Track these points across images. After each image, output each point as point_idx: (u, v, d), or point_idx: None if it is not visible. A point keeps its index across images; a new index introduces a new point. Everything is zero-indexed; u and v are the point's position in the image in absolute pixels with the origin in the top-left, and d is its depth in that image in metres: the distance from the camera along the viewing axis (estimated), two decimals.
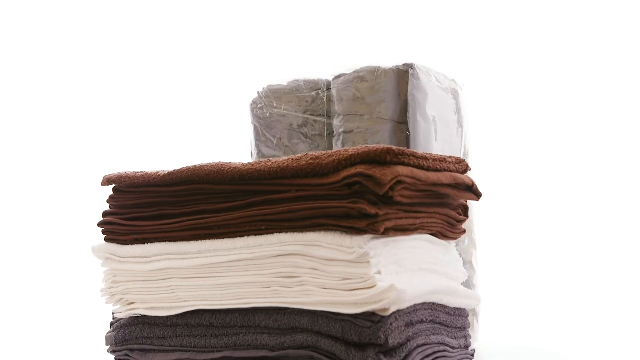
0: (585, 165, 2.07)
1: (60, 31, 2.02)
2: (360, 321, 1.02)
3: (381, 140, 1.33)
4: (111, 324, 1.25)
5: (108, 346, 1.23)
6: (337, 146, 1.37)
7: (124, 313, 1.21)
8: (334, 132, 1.38)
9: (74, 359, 1.56)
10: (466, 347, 1.21)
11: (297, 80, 1.42)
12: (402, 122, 1.33)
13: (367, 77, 1.33)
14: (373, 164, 1.02)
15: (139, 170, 1.22)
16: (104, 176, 1.23)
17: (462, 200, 1.23)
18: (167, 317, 1.18)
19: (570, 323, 1.73)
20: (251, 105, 1.46)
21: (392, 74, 1.33)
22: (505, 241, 2.02)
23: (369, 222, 1.01)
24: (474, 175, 1.52)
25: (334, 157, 1.04)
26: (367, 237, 1.02)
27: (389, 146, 1.02)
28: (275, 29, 1.96)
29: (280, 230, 1.08)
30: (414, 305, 1.08)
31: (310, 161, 1.06)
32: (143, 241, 1.19)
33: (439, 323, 1.15)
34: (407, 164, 1.05)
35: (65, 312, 1.94)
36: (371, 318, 1.02)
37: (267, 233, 1.09)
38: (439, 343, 1.13)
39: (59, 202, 2.02)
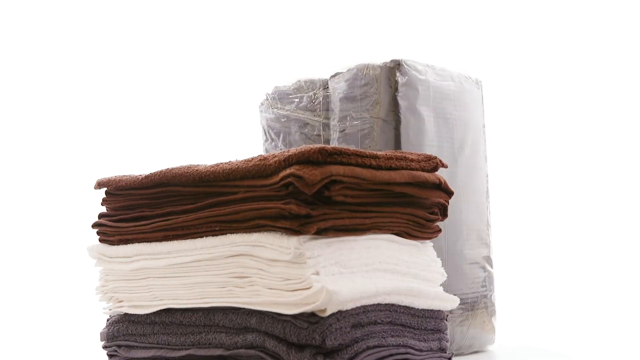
0: (606, 167, 2.03)
1: (67, 34, 2.04)
2: (300, 322, 1.02)
3: (371, 139, 1.31)
4: (107, 321, 1.30)
5: (102, 342, 1.29)
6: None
7: (112, 311, 1.27)
8: (331, 133, 1.37)
9: (76, 354, 1.60)
10: (442, 350, 1.17)
11: (300, 81, 1.43)
12: (389, 121, 1.31)
13: (358, 76, 1.32)
14: (307, 164, 1.01)
15: (127, 174, 1.27)
16: (97, 180, 1.29)
17: (440, 200, 1.19)
18: (147, 315, 1.22)
19: (588, 326, 1.69)
20: (260, 107, 1.48)
21: (380, 72, 1.31)
22: (522, 240, 1.96)
23: (301, 222, 1.00)
24: (493, 173, 1.47)
25: (277, 159, 1.05)
26: (304, 237, 1.02)
27: (322, 146, 1.01)
28: (285, 30, 1.97)
29: (231, 231, 1.10)
30: (364, 307, 1.06)
31: (258, 163, 1.07)
32: (126, 242, 1.24)
33: (402, 325, 1.12)
34: (347, 163, 1.03)
35: (68, 309, 1.99)
36: (310, 319, 1.02)
37: (221, 234, 1.11)
38: (400, 345, 1.11)
39: (70, 203, 2.05)
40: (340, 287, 1.01)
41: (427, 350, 1.15)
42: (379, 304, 1.09)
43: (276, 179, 1.03)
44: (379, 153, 1.09)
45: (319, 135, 1.39)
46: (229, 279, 1.10)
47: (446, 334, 1.19)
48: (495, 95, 1.74)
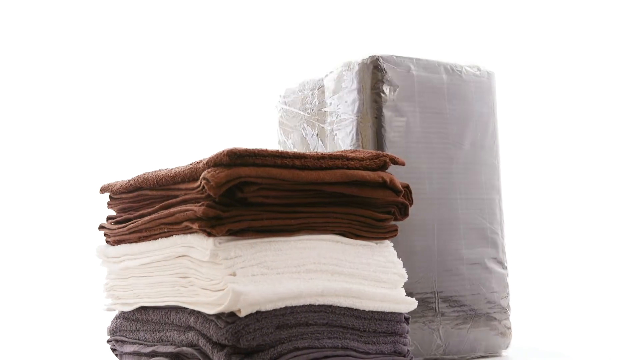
0: (625, 164, 1.94)
1: (82, 33, 2.02)
2: (220, 322, 1.04)
3: (357, 138, 1.29)
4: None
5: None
6: (334, 147, 1.35)
7: (107, 307, 1.35)
8: (326, 134, 1.37)
9: (92, 350, 1.66)
10: (398, 353, 1.13)
11: (304, 80, 1.44)
12: (369, 118, 1.28)
13: (342, 74, 1.31)
14: (219, 166, 1.03)
15: (122, 180, 1.35)
16: (101, 186, 1.38)
17: (399, 199, 1.16)
18: (131, 312, 1.29)
19: (604, 329, 1.65)
20: (275, 107, 1.51)
21: (359, 69, 1.29)
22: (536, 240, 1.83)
23: (212, 224, 1.02)
24: (505, 168, 1.40)
25: (203, 162, 1.07)
26: (222, 239, 1.04)
27: (232, 148, 1.02)
28: (303, 27, 1.93)
29: (173, 233, 1.13)
30: (292, 308, 1.06)
31: (191, 166, 1.10)
32: (118, 243, 1.32)
33: (342, 327, 1.10)
34: (262, 165, 1.03)
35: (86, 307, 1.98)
36: (228, 319, 1.03)
37: (168, 236, 1.15)
38: (338, 347, 1.09)
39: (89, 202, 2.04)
40: (254, 288, 1.02)
41: (376, 353, 1.12)
42: (311, 305, 1.08)
43: (199, 182, 1.06)
44: (308, 153, 1.08)
45: (318, 135, 1.39)
46: (177, 279, 1.14)
47: (404, 337, 1.15)
48: (512, 87, 1.64)
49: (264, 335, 1.04)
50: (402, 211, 1.18)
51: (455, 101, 1.34)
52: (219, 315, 1.04)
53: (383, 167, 1.13)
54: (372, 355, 1.12)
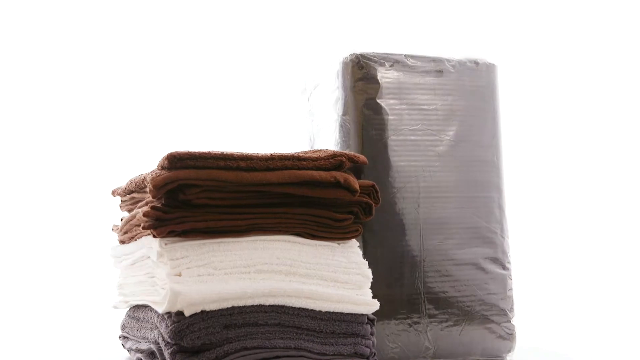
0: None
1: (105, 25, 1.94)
2: (169, 321, 1.07)
3: (336, 137, 1.29)
4: None
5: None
6: (321, 146, 1.35)
7: (114, 305, 1.41)
8: (314, 132, 1.37)
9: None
10: (359, 355, 1.12)
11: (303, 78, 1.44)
12: (348, 117, 1.27)
13: (325, 72, 1.31)
14: (164, 169, 1.06)
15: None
16: (112, 189, 1.45)
17: (363, 199, 1.14)
18: (131, 309, 1.34)
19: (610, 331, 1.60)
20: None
21: (339, 67, 1.28)
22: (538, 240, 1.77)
23: (155, 226, 1.05)
24: (514, 166, 1.35)
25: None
26: (169, 240, 1.07)
27: (173, 152, 1.05)
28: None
29: (143, 234, 1.17)
30: (240, 308, 1.07)
31: (155, 170, 1.14)
32: (122, 243, 1.38)
33: (296, 327, 1.10)
34: (204, 167, 1.05)
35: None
36: (175, 318, 1.06)
37: (141, 237, 1.19)
38: (290, 348, 1.09)
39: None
40: (194, 288, 1.04)
41: (334, 355, 1.11)
42: (261, 305, 1.09)
43: None
44: (255, 154, 1.09)
45: (314, 133, 1.39)
46: (147, 279, 1.18)
47: (366, 339, 1.13)
48: (524, 82, 1.55)
49: (209, 335, 1.05)
50: (366, 211, 1.16)
51: (446, 96, 1.30)
52: (169, 314, 1.07)
53: (339, 166, 1.12)
54: (329, 356, 1.11)
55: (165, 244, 1.07)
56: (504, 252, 1.33)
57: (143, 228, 1.06)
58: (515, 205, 1.58)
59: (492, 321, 1.30)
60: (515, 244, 1.41)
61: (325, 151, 1.14)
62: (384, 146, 1.26)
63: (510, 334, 1.32)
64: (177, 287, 1.03)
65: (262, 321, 1.08)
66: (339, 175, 1.10)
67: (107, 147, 1.77)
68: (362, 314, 1.13)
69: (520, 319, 1.39)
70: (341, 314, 1.12)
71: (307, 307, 1.10)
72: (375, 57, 1.27)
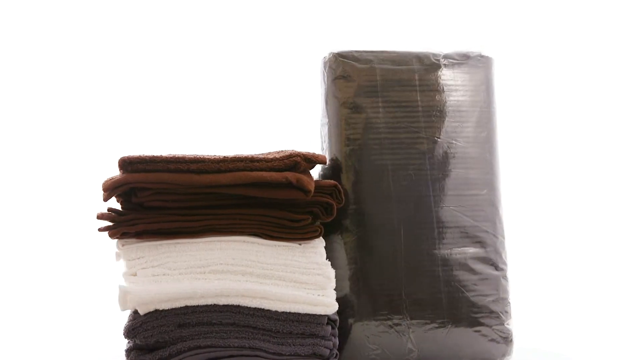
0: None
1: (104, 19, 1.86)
2: (129, 319, 1.11)
3: (320, 137, 1.29)
4: None
5: None
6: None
7: None
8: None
9: None
10: (317, 356, 1.12)
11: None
12: (326, 117, 1.27)
13: (306, 73, 1.31)
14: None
15: None
16: None
17: (324, 199, 1.14)
18: None
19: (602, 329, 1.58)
20: None
21: (321, 66, 1.28)
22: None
23: (108, 227, 1.10)
24: (508, 166, 1.31)
25: None
26: (127, 241, 1.11)
27: (124, 156, 1.09)
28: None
29: None
30: (193, 307, 1.10)
31: None
32: None
33: (252, 327, 1.11)
34: (154, 170, 1.09)
35: None
36: (130, 317, 1.10)
37: None
38: (244, 347, 1.10)
39: None
40: (144, 288, 1.08)
41: (290, 355, 1.11)
42: (215, 305, 1.11)
43: None
44: (208, 156, 1.11)
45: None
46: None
47: (326, 340, 1.12)
48: (527, 77, 1.46)
49: (163, 333, 1.09)
50: (328, 211, 1.15)
51: (430, 92, 1.26)
52: (132, 313, 1.12)
53: (294, 167, 1.12)
54: (285, 356, 1.11)
55: (123, 245, 1.11)
56: (497, 252, 1.27)
57: (98, 230, 1.10)
58: (518, 204, 1.52)
59: (482, 324, 1.25)
60: (515, 244, 1.36)
61: (284, 152, 1.14)
62: (363, 145, 1.24)
63: (504, 338, 1.26)
64: (125, 287, 1.07)
65: (216, 320, 1.11)
66: (291, 176, 1.10)
67: (106, 147, 1.80)
68: (321, 315, 1.13)
69: (520, 319, 1.35)
70: (298, 314, 1.12)
71: (262, 307, 1.11)
72: (353, 54, 1.26)
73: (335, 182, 1.17)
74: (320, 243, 1.16)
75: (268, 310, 1.12)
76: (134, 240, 1.11)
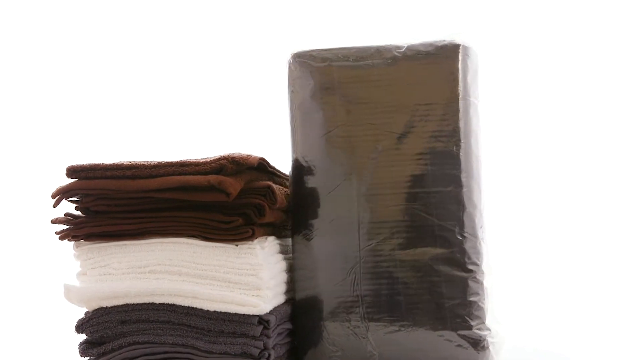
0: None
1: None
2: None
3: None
4: None
5: None
6: None
7: None
8: None
9: None
10: (247, 355, 1.13)
11: None
12: (291, 117, 1.28)
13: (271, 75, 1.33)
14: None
15: None
16: None
17: (256, 200, 1.16)
18: None
19: (584, 326, 1.55)
20: None
21: (285, 67, 1.29)
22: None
23: (62, 231, 1.20)
24: (486, 164, 1.24)
25: None
26: (81, 243, 1.21)
27: (70, 165, 1.18)
28: None
29: None
30: (132, 305, 1.17)
31: None
32: None
33: (187, 325, 1.15)
34: (94, 177, 1.17)
35: None
36: (84, 313, 1.20)
37: None
38: (178, 344, 1.15)
39: None
40: (86, 287, 1.17)
41: (221, 354, 1.14)
42: (152, 303, 1.17)
43: None
44: (144, 163, 1.17)
45: None
46: None
47: (257, 339, 1.13)
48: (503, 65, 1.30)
49: (107, 329, 1.17)
50: (259, 212, 1.16)
51: (389, 87, 1.21)
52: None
53: (220, 170, 1.14)
54: (215, 354, 1.14)
55: (77, 247, 1.20)
56: (465, 253, 1.19)
57: (55, 233, 1.21)
58: (518, 204, 1.41)
59: (445, 328, 1.18)
60: (515, 244, 1.27)
61: (216, 156, 1.17)
62: (322, 144, 1.23)
63: (473, 344, 1.18)
64: (68, 284, 1.17)
65: (153, 318, 1.16)
66: (214, 179, 1.13)
67: (107, 146, 1.86)
68: (252, 315, 1.14)
69: (520, 320, 1.31)
70: (229, 314, 1.14)
71: (195, 306, 1.15)
72: (311, 54, 1.25)
73: (268, 183, 1.17)
74: (258, 244, 1.17)
75: (201, 310, 1.15)
76: (88, 242, 1.20)
